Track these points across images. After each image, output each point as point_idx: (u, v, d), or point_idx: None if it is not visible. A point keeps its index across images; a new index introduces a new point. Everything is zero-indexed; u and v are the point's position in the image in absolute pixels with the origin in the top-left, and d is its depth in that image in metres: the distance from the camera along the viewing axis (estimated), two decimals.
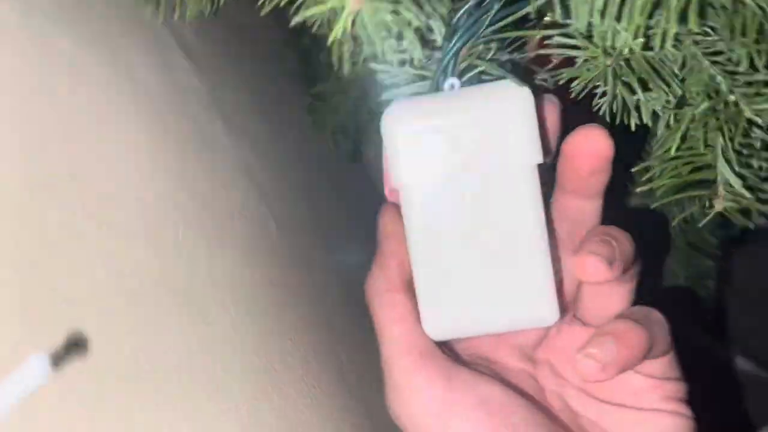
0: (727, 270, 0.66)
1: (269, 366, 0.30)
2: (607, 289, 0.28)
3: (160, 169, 0.30)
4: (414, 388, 0.28)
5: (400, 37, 0.27)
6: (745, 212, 0.30)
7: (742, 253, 0.69)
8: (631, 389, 0.29)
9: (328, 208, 0.51)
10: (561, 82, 0.30)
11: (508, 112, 0.27)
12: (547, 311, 0.28)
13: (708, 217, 0.35)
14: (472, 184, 0.27)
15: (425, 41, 0.29)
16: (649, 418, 0.29)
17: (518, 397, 0.28)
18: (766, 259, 0.74)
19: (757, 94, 0.28)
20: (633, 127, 0.32)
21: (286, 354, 0.32)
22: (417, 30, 0.27)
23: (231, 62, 0.47)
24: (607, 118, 0.30)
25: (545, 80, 0.32)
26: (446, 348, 0.29)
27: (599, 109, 0.30)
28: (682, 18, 0.27)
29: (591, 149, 0.28)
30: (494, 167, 0.27)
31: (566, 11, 0.29)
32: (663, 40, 0.27)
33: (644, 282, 0.32)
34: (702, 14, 0.27)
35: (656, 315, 0.28)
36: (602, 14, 0.27)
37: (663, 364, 0.29)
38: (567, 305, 0.30)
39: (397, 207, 0.30)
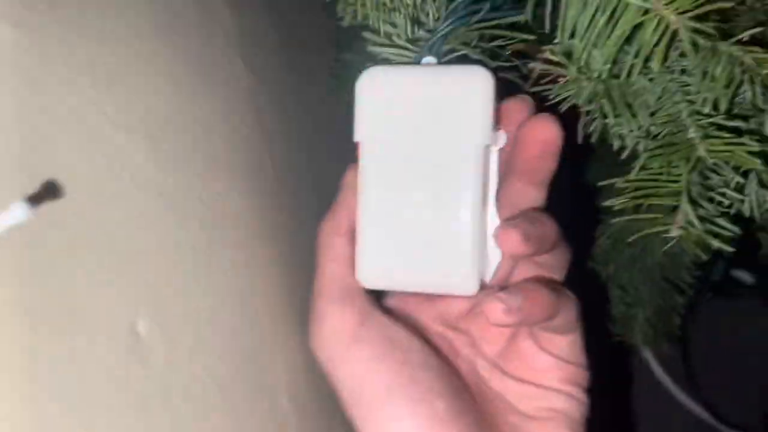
0: (695, 314, 0.68)
1: (242, 288, 0.32)
2: (527, 268, 0.31)
3: (172, 84, 0.32)
4: (330, 316, 0.30)
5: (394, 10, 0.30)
6: (701, 244, 0.32)
7: (713, 303, 0.71)
8: (536, 367, 0.32)
9: (327, 168, 0.53)
10: (551, 97, 0.32)
11: (468, 91, 0.29)
12: (468, 280, 0.30)
13: (668, 245, 0.38)
14: (423, 151, 0.30)
15: (418, 22, 0.32)
16: (546, 395, 0.31)
17: (424, 344, 0.31)
18: (735, 316, 0.76)
19: (712, 136, 0.30)
20: (615, 148, 0.34)
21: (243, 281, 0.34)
22: (410, 7, 0.30)
23: (266, 11, 0.49)
24: (592, 138, 0.33)
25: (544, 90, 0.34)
26: (370, 296, 0.32)
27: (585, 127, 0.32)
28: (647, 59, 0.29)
29: (542, 135, 0.30)
30: (446, 140, 0.30)
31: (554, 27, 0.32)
32: (630, 72, 0.29)
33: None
34: (665, 60, 0.29)
35: (567, 292, 0.31)
36: (582, 36, 0.30)
37: (568, 345, 0.32)
38: (500, 283, 0.32)
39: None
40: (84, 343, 0.21)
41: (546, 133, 0.30)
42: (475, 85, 0.30)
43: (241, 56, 0.42)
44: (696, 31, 0.27)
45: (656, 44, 0.28)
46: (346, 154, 0.33)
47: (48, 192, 0.20)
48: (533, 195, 0.31)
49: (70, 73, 0.25)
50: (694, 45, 0.28)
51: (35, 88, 0.23)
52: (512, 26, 0.32)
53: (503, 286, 0.31)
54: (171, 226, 0.28)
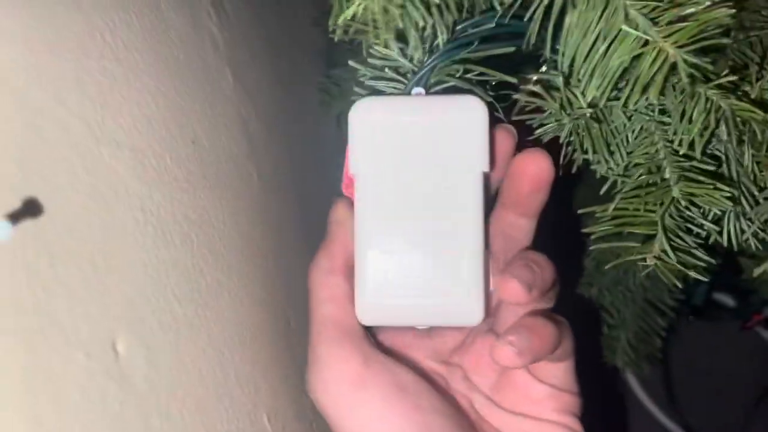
0: (677, 336, 0.69)
1: (215, 290, 0.32)
2: (524, 309, 0.30)
3: (159, 97, 0.32)
4: (333, 361, 0.29)
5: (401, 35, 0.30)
6: (676, 273, 0.33)
7: (694, 325, 0.72)
8: (531, 398, 0.32)
9: (315, 184, 0.53)
10: (534, 126, 0.32)
11: (463, 120, 0.30)
12: (473, 311, 0.29)
13: (644, 272, 0.38)
14: (421, 182, 0.30)
15: (404, 53, 0.32)
16: (545, 428, 0.31)
17: (429, 386, 0.30)
18: (716, 338, 0.76)
19: (687, 179, 0.30)
20: (597, 176, 0.34)
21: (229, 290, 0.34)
22: (421, 30, 0.30)
23: (257, 25, 0.49)
24: (572, 170, 0.33)
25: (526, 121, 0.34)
26: (369, 335, 0.31)
27: (566, 156, 0.33)
28: (644, 89, 0.30)
29: (533, 169, 0.30)
30: (443, 169, 0.30)
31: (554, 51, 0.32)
32: (625, 104, 0.30)
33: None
34: (659, 95, 0.30)
35: (561, 318, 0.31)
36: (584, 59, 0.30)
37: (563, 372, 0.32)
38: (490, 314, 0.32)
39: (349, 201, 0.31)
40: (59, 360, 0.21)
41: (538, 168, 0.30)
42: (470, 113, 0.30)
43: (230, 69, 0.42)
44: (693, 65, 0.27)
45: (654, 76, 0.28)
46: (335, 170, 0.33)
47: (28, 209, 0.20)
48: (525, 226, 0.32)
49: (57, 87, 0.25)
50: (690, 78, 0.28)
51: (21, 100, 0.23)
52: (496, 59, 0.32)
53: (503, 323, 0.31)
54: (154, 242, 0.28)
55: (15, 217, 0.19)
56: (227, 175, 0.37)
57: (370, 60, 0.32)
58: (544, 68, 0.36)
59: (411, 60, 0.33)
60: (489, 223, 0.32)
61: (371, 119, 0.30)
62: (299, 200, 0.48)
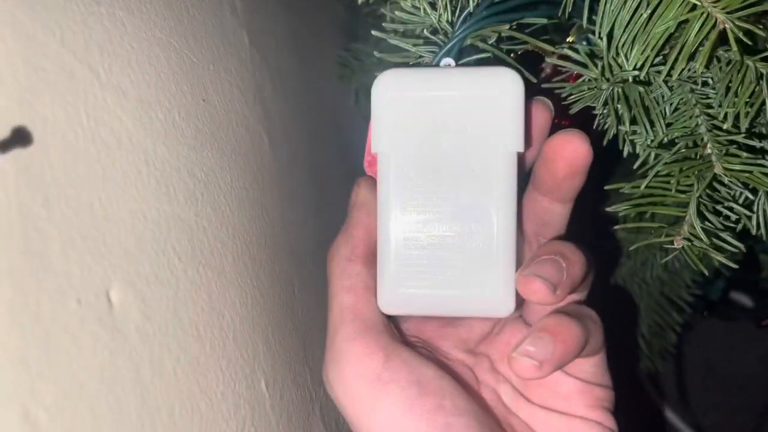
0: (691, 332, 0.67)
1: (219, 262, 0.31)
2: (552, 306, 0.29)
3: (171, 53, 0.31)
4: (352, 357, 0.27)
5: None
6: (702, 258, 0.31)
7: (709, 322, 0.70)
8: (561, 393, 0.30)
9: (330, 157, 0.52)
10: (564, 95, 0.31)
11: (497, 95, 0.27)
12: (504, 302, 0.27)
13: (669, 256, 0.36)
14: (449, 162, 0.27)
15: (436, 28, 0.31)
16: (576, 425, 0.30)
17: (454, 383, 0.28)
18: (731, 337, 0.75)
19: (730, 154, 0.29)
20: (625, 154, 0.33)
21: (237, 258, 0.33)
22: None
23: None
24: (603, 142, 0.32)
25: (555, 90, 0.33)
26: (392, 326, 0.29)
27: (598, 130, 0.31)
28: (690, 57, 0.28)
29: (569, 153, 0.28)
30: (474, 148, 0.27)
31: (591, 21, 0.31)
32: (669, 73, 0.28)
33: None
34: (707, 64, 0.28)
35: (590, 311, 0.29)
36: (623, 32, 0.29)
37: (593, 366, 0.30)
38: (521, 303, 0.30)
39: (372, 181, 0.29)
40: (49, 304, 0.20)
41: (577, 151, 0.28)
42: (505, 87, 0.27)
43: (247, 33, 0.41)
44: (745, 32, 0.26)
45: (701, 43, 0.27)
46: (354, 147, 0.32)
47: (17, 138, 0.19)
48: (559, 211, 0.30)
49: (63, 30, 0.24)
50: (740, 47, 0.27)
51: (26, 39, 0.22)
52: (526, 27, 0.31)
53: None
54: (156, 195, 0.27)
55: (2, 147, 0.18)
56: (238, 139, 0.36)
57: (395, 20, 0.31)
58: (571, 38, 0.34)
59: (439, 20, 0.31)
60: (522, 205, 0.30)
61: (396, 93, 0.28)
62: (312, 173, 0.48)
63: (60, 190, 0.22)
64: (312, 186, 0.47)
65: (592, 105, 0.31)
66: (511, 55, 0.34)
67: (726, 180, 0.29)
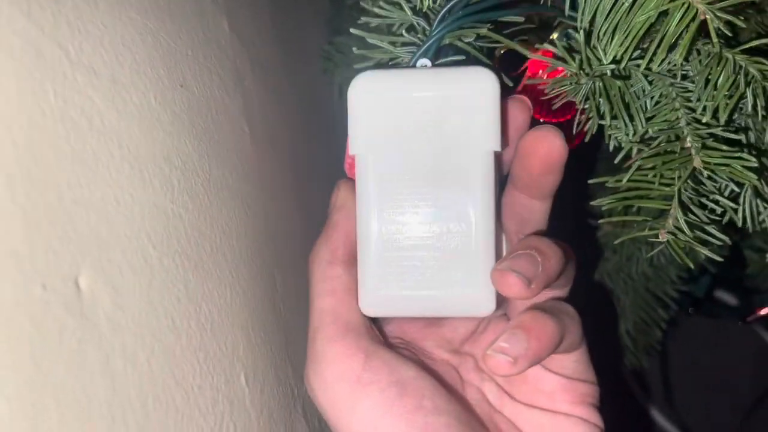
0: (675, 330, 0.67)
1: (198, 248, 0.30)
2: (529, 300, 0.28)
3: (147, 35, 0.30)
4: (332, 359, 0.27)
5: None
6: (688, 252, 0.31)
7: (693, 320, 0.70)
8: (544, 390, 0.30)
9: (307, 147, 0.51)
10: (546, 91, 0.30)
11: (473, 94, 0.27)
12: (484, 301, 0.27)
13: (655, 250, 0.36)
14: (428, 162, 0.27)
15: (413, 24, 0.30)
16: (560, 422, 0.29)
17: (434, 383, 0.28)
18: (716, 335, 0.75)
19: (709, 147, 0.28)
20: (611, 149, 0.32)
21: (217, 249, 0.32)
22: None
23: None
24: (585, 138, 0.31)
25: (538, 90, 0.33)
26: (374, 328, 0.29)
27: (578, 125, 0.31)
28: (671, 48, 0.28)
29: (544, 149, 0.27)
30: (452, 148, 0.27)
31: (573, 8, 0.30)
32: (649, 64, 0.28)
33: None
34: (687, 55, 0.28)
35: (567, 307, 0.29)
36: (606, 17, 0.28)
37: (574, 362, 0.30)
38: (502, 302, 0.30)
39: (352, 183, 0.29)
40: (11, 289, 0.19)
41: (550, 148, 0.27)
42: (481, 87, 0.27)
43: (227, 19, 0.40)
44: (726, 22, 0.26)
45: (681, 35, 0.27)
46: (338, 145, 0.31)
47: None
48: (538, 208, 0.29)
49: (30, 4, 0.23)
50: (720, 39, 0.26)
51: None
52: (511, 25, 0.31)
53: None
54: (130, 180, 0.26)
55: None
56: (217, 127, 0.35)
57: (374, 17, 0.31)
58: (555, 34, 0.34)
59: (419, 10, 0.31)
60: (502, 203, 0.30)
61: (372, 94, 0.28)
62: (295, 166, 0.47)
63: (23, 171, 0.21)
64: (295, 179, 0.46)
65: (572, 100, 0.30)
66: (495, 53, 0.34)
67: (704, 174, 0.29)
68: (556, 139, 0.27)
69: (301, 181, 0.47)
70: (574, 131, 0.31)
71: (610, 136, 0.31)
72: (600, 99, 0.29)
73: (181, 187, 0.30)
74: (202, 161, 0.32)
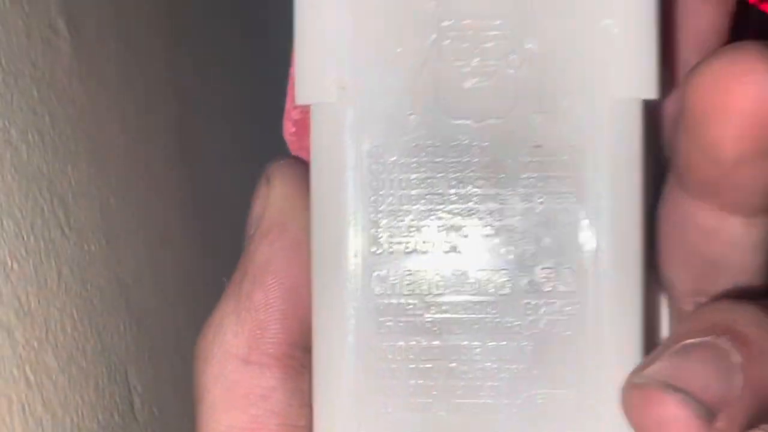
0: None
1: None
2: None
3: None
4: None
5: None
6: None
7: None
8: None
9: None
10: None
11: None
12: None
13: None
14: (484, 123, 0.13)
15: None
16: None
17: None
18: None
19: None
20: None
21: None
22: None
23: None
24: None
25: None
26: None
27: None
28: None
29: (741, 101, 0.12)
30: (531, 94, 0.13)
31: None
32: None
33: None
34: None
35: None
36: None
37: None
38: None
39: (300, 168, 0.15)
40: None
41: (754, 97, 0.12)
42: None
43: None
44: None
45: None
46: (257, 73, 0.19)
47: None
48: (739, 232, 0.14)
49: None
50: None
51: None
52: None
53: None
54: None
55: None
56: None
57: None
58: None
59: None
60: (657, 223, 0.14)
61: None
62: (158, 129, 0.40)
63: None
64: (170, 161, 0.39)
65: None
66: None
67: None
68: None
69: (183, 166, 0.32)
70: None
71: None
72: None
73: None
74: None
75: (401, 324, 0.14)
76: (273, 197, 0.15)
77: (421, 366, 0.13)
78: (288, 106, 0.16)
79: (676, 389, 0.12)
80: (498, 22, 0.13)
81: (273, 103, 0.17)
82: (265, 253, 0.15)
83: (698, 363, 0.13)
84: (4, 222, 0.15)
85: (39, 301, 0.15)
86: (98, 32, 0.22)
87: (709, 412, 0.12)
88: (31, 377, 0.14)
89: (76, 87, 0.20)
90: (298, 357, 0.14)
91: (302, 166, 0.15)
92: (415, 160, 0.13)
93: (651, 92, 0.13)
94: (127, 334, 0.18)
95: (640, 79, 0.13)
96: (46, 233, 0.16)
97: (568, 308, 0.13)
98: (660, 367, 0.13)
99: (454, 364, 0.13)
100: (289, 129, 0.16)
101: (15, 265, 0.15)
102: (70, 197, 0.18)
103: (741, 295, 0.14)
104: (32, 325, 0.15)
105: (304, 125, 0.15)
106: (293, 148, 0.16)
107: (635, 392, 0.13)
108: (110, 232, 0.20)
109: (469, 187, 0.13)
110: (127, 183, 0.22)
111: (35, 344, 0.15)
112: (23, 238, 0.16)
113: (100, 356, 0.17)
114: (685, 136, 0.13)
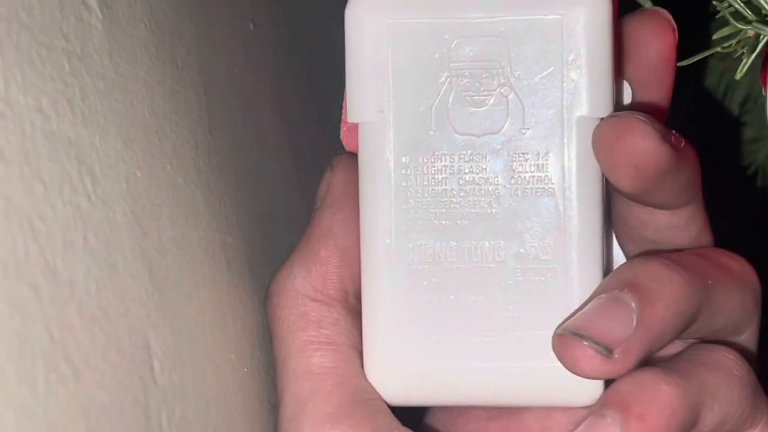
0: None
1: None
2: None
3: None
4: None
5: None
6: None
7: None
8: None
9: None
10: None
11: (558, 17, 0.17)
12: (584, 385, 0.17)
13: None
14: (482, 137, 0.17)
15: None
16: None
17: None
18: None
19: None
20: None
21: None
22: None
23: None
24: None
25: None
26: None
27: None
28: None
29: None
30: (529, 114, 0.17)
31: None
32: None
33: None
34: None
35: (723, 356, 0.19)
36: None
37: None
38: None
39: (356, 158, 0.19)
40: None
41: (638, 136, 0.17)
42: (574, 4, 0.17)
43: None
44: None
45: None
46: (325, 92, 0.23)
47: None
48: (666, 222, 0.19)
49: None
50: None
51: None
52: None
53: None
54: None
55: None
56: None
57: None
58: None
59: None
60: (611, 215, 0.20)
61: (386, 18, 0.17)
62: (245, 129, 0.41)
63: None
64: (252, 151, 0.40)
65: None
66: None
67: None
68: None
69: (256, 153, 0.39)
70: None
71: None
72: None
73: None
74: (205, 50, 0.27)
75: (425, 282, 0.18)
76: (335, 181, 0.20)
77: (441, 306, 0.18)
78: (343, 114, 0.20)
79: (581, 336, 0.16)
80: (492, 62, 0.17)
81: (297, 95, 0.19)
82: (328, 222, 0.19)
83: (603, 312, 0.16)
84: (33, 185, 0.16)
85: (65, 262, 0.16)
86: (130, 13, 0.22)
87: (607, 350, 0.16)
88: (56, 333, 0.15)
89: (106, 64, 0.21)
90: (351, 301, 0.19)
91: (356, 159, 0.19)
92: (434, 164, 0.18)
93: (606, 111, 0.18)
94: (149, 301, 0.19)
95: (598, 102, 0.17)
96: (74, 198, 0.17)
97: (547, 271, 0.17)
98: (575, 320, 0.17)
99: (470, 315, 0.18)
100: (344, 127, 0.21)
101: (42, 227, 0.16)
102: (98, 168, 0.19)
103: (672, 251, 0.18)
104: (57, 283, 0.16)
105: (353, 130, 0.20)
106: (348, 146, 0.21)
107: (557, 339, 0.17)
108: (135, 204, 0.20)
109: (474, 185, 0.18)
110: (154, 160, 0.23)
111: (60, 303, 0.16)
112: (50, 202, 0.16)
113: (123, 320, 0.18)
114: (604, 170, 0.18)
